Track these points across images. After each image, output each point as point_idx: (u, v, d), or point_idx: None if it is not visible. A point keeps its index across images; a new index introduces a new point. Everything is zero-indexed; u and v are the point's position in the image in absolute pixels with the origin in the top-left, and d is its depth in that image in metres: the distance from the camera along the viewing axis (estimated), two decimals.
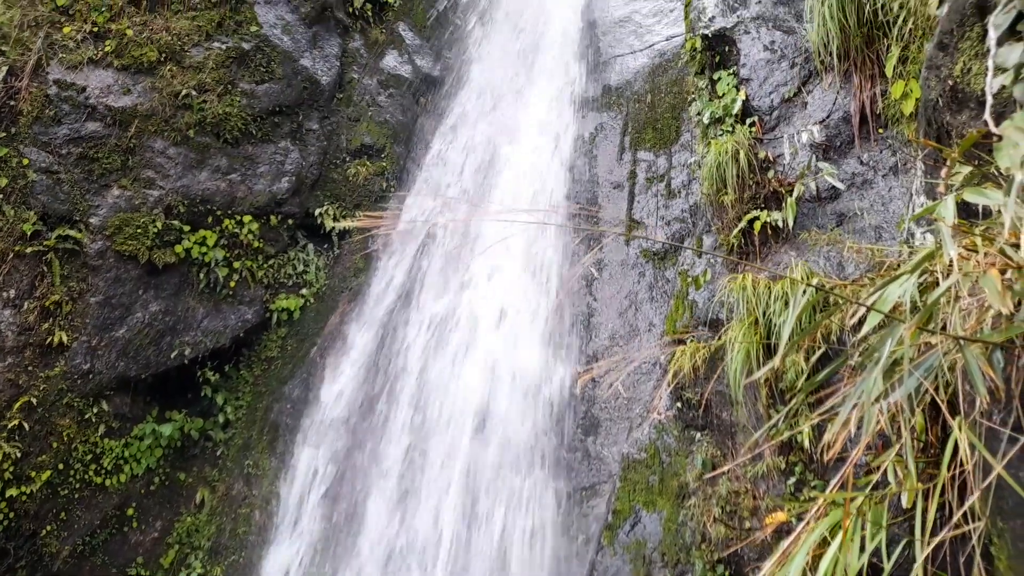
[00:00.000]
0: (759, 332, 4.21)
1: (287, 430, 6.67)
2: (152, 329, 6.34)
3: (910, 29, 4.22)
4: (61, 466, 5.89)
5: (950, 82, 3.11)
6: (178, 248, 6.55)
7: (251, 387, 6.97)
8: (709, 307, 5.14)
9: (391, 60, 8.86)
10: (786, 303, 4.14)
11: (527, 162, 7.59)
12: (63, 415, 5.97)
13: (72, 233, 6.09)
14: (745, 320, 4.34)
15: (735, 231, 5.14)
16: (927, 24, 4.08)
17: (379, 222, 6.06)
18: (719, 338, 4.70)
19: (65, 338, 5.97)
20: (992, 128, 2.20)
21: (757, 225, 4.98)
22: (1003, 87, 2.58)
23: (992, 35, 2.44)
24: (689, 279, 5.69)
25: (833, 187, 4.69)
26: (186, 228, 6.64)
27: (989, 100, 2.29)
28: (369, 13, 9.04)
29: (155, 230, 6.41)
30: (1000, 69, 2.42)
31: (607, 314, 6.28)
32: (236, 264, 6.91)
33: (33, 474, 5.72)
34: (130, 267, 6.30)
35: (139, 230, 6.31)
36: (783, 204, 4.89)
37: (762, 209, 5.06)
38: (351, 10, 8.82)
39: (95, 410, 6.13)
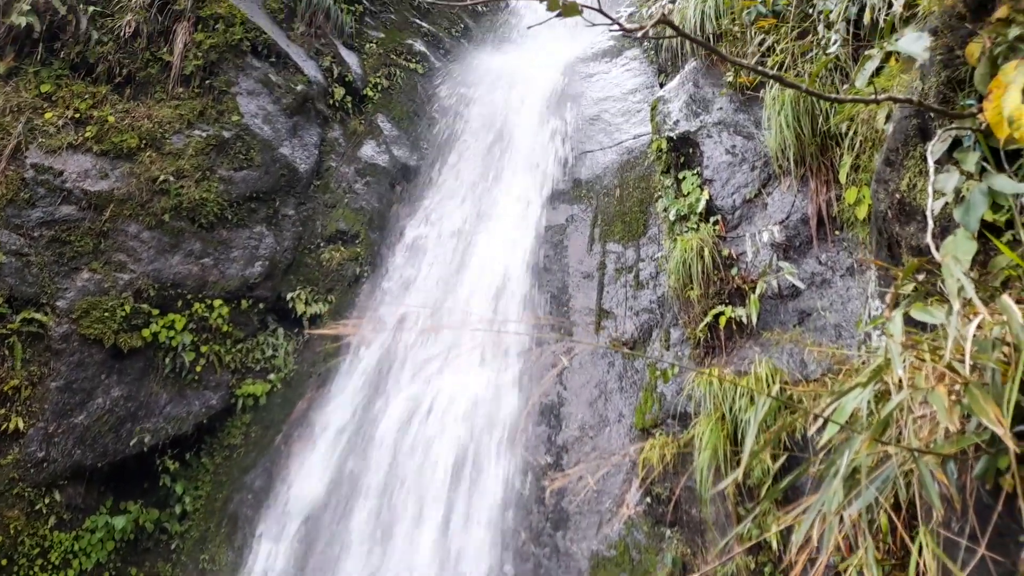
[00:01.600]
0: (726, 428, 4.27)
1: (247, 522, 6.44)
2: (112, 415, 6.19)
3: (860, 140, 4.50)
4: (4, 561, 5.59)
5: (898, 196, 3.30)
6: (145, 332, 6.48)
7: (211, 476, 6.76)
8: (677, 400, 5.20)
9: (369, 149, 9.10)
10: (751, 399, 4.22)
11: (499, 250, 7.74)
12: (12, 506, 5.71)
13: (37, 316, 6.01)
14: (712, 415, 4.40)
15: (701, 325, 5.27)
16: (876, 136, 4.36)
17: (348, 329, 6.08)
18: (687, 432, 4.74)
19: (21, 424, 5.79)
20: (933, 252, 2.34)
21: (722, 320, 5.12)
22: (946, 204, 2.77)
23: (931, 161, 2.63)
24: (657, 371, 5.77)
25: (794, 285, 4.86)
26: (155, 312, 6.59)
27: (931, 224, 2.45)
28: (349, 105, 9.36)
29: (123, 314, 6.35)
30: (940, 192, 2.60)
31: (577, 404, 6.29)
32: (204, 348, 6.84)
33: None
34: (94, 351, 6.20)
35: (106, 313, 6.25)
36: (747, 301, 5.05)
37: (727, 304, 5.22)
38: (332, 102, 9.12)
39: (47, 500, 5.88)
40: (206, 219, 7.06)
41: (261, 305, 7.45)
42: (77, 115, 6.72)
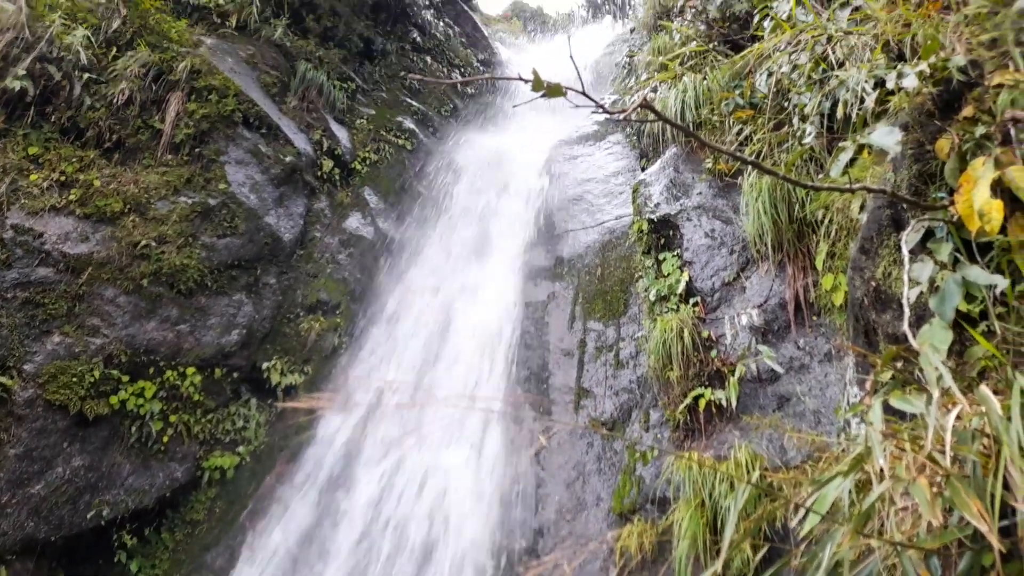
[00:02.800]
0: (705, 515, 4.15)
1: None
2: (71, 486, 5.91)
3: (836, 228, 4.59)
4: None
5: (873, 283, 3.34)
6: (113, 399, 6.28)
7: (170, 554, 6.42)
8: (656, 485, 5.08)
9: (354, 221, 9.17)
10: (731, 485, 4.13)
11: (480, 326, 7.72)
12: None
13: (2, 380, 5.81)
14: (691, 502, 4.29)
15: (681, 407, 5.22)
16: (851, 224, 4.45)
17: (323, 403, 5.97)
18: (666, 518, 4.61)
19: None
20: (910, 340, 2.34)
21: (702, 403, 5.07)
22: (921, 293, 2.79)
23: (905, 251, 2.68)
24: (637, 453, 5.66)
25: (773, 370, 4.85)
26: (125, 378, 6.41)
27: (907, 313, 2.46)
28: (337, 177, 9.48)
29: (92, 379, 6.17)
30: (915, 282, 2.63)
31: (554, 485, 6.13)
32: (172, 418, 6.63)
33: None
34: (58, 418, 5.98)
35: (74, 379, 6.06)
36: (726, 383, 5.03)
37: (706, 387, 5.18)
38: (320, 174, 9.24)
39: None
40: (185, 285, 6.99)
41: (235, 374, 7.29)
42: (63, 178, 6.72)
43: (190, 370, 6.83)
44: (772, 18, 5.66)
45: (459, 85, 14.06)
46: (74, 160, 6.88)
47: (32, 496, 5.73)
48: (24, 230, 6.27)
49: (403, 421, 6.93)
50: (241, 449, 6.99)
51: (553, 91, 1.97)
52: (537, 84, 1.96)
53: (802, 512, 2.40)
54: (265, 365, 7.46)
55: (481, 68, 15.71)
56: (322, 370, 7.75)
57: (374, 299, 8.67)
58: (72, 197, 6.65)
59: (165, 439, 6.54)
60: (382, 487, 6.29)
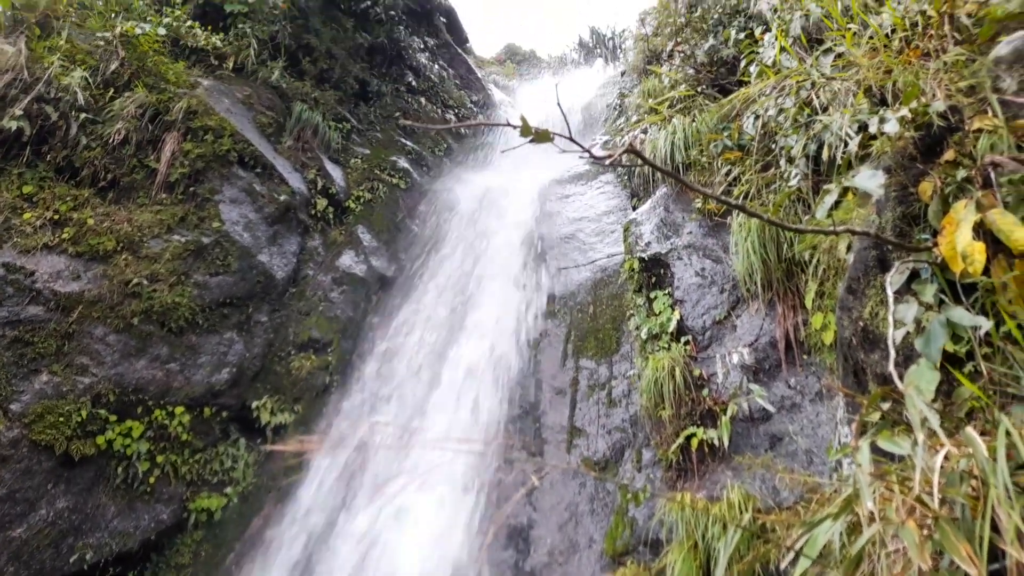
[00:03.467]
0: (699, 558, 4.10)
1: None
2: (55, 529, 5.79)
3: (824, 268, 4.63)
4: None
5: (861, 323, 3.36)
6: (100, 439, 6.19)
7: None
8: (649, 526, 5.02)
9: (347, 259, 9.20)
10: (724, 527, 4.09)
11: (472, 364, 7.69)
12: None
13: None
14: (684, 543, 4.24)
15: (673, 447, 5.19)
16: (838, 264, 4.50)
17: (312, 444, 5.92)
18: (659, 561, 4.55)
19: None
20: (896, 381, 2.36)
21: (694, 442, 5.05)
22: (907, 334, 2.82)
23: (889, 292, 2.71)
24: (629, 494, 5.61)
25: (764, 409, 4.85)
26: (112, 418, 6.34)
27: (892, 354, 2.48)
28: (331, 216, 9.54)
29: (79, 419, 6.09)
30: (900, 322, 2.65)
31: (546, 526, 6.05)
32: (160, 458, 6.54)
33: None
34: (43, 458, 5.89)
35: (61, 419, 5.99)
36: (718, 423, 5.01)
37: (699, 426, 5.17)
38: (314, 212, 9.30)
39: None
40: (176, 324, 6.96)
41: (225, 413, 7.22)
42: (56, 216, 6.74)
43: (179, 409, 6.76)
44: (758, 64, 5.80)
45: (453, 127, 14.25)
46: (68, 199, 6.90)
47: (13, 540, 5.61)
48: (16, 268, 6.26)
49: (394, 461, 6.85)
50: (229, 490, 6.89)
51: (541, 137, 2.01)
52: (525, 130, 2.00)
53: (793, 554, 2.38)
54: (255, 404, 7.40)
55: (475, 109, 15.95)
56: (312, 409, 7.69)
57: (366, 337, 8.66)
58: (65, 235, 6.66)
59: (151, 480, 6.44)
60: (372, 530, 6.19)
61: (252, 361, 7.58)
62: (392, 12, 13.27)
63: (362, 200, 10.16)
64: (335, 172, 10.09)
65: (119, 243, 6.91)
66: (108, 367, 6.43)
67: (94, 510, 6.08)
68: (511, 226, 9.88)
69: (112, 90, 7.74)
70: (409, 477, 6.59)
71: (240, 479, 7.01)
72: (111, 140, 7.37)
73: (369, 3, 12.99)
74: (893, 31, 4.03)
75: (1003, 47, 2.95)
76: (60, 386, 6.11)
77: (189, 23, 9.43)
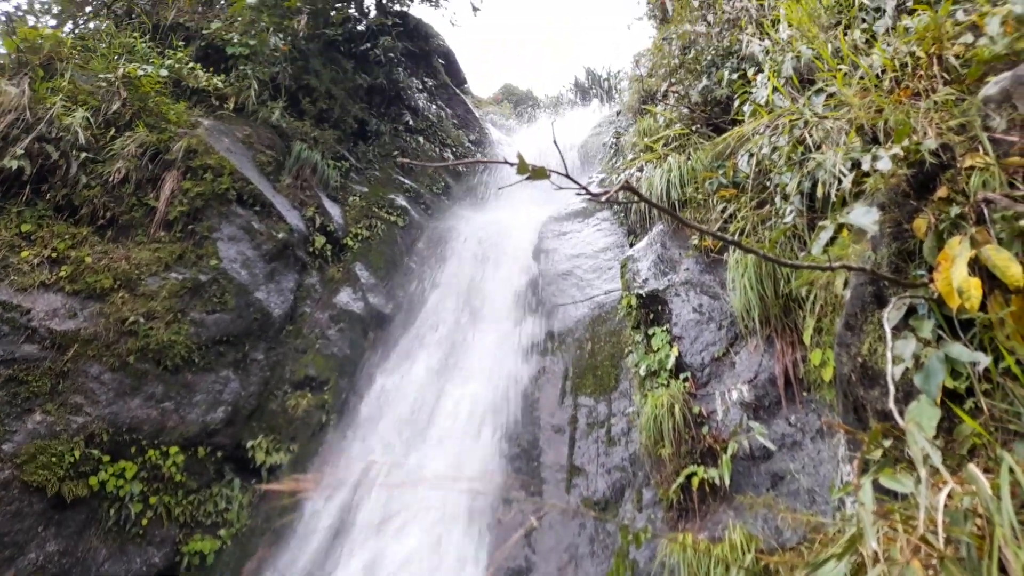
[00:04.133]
0: None
1: None
2: (44, 573, 5.67)
3: (821, 304, 4.63)
4: None
5: (860, 359, 3.35)
6: (93, 480, 6.11)
7: None
8: (650, 568, 4.93)
9: (345, 296, 9.19)
10: (727, 568, 4.01)
11: (470, 401, 7.64)
12: None
13: None
14: None
15: (674, 486, 5.12)
16: (836, 300, 4.50)
17: (308, 484, 5.84)
18: None
19: None
20: (896, 418, 2.34)
21: (695, 481, 4.99)
22: (906, 370, 2.80)
23: (887, 328, 2.70)
24: (630, 535, 5.52)
25: (765, 447, 4.80)
26: (106, 458, 6.26)
27: (892, 390, 2.47)
28: (328, 253, 9.57)
29: (71, 459, 6.01)
30: (899, 359, 2.64)
31: (546, 569, 5.93)
32: (153, 499, 6.44)
33: None
34: (35, 500, 5.79)
35: (54, 459, 5.91)
36: (719, 461, 4.96)
37: (699, 464, 5.11)
38: (312, 249, 9.33)
39: None
40: (172, 362, 6.92)
41: (219, 453, 7.14)
42: (54, 254, 6.75)
43: (173, 449, 6.69)
44: (751, 103, 5.89)
45: (450, 165, 14.39)
46: (66, 237, 6.92)
47: None
48: (11, 307, 6.24)
49: (390, 502, 6.75)
50: (223, 532, 6.77)
51: (537, 174, 2.03)
52: (522, 168, 2.01)
53: None
54: (250, 443, 7.32)
55: (472, 147, 16.12)
56: (308, 448, 7.60)
57: (363, 375, 8.61)
58: (62, 273, 6.66)
59: (144, 522, 6.33)
60: (368, 572, 6.07)
61: (248, 400, 7.52)
62: (391, 54, 13.50)
63: (360, 237, 10.20)
64: (333, 210, 10.15)
65: (116, 281, 6.91)
66: (102, 406, 6.37)
67: (85, 553, 5.96)
68: (508, 263, 9.91)
69: (113, 130, 7.83)
70: (405, 518, 6.49)
71: (234, 520, 6.89)
72: (111, 179, 7.42)
73: (369, 46, 13.23)
74: (883, 72, 4.10)
75: (991, 87, 3.00)
76: (53, 426, 6.04)
77: (191, 65, 9.58)
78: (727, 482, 4.78)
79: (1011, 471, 1.98)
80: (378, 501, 6.78)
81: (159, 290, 7.14)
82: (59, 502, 5.92)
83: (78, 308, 6.61)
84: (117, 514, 6.20)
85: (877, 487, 2.43)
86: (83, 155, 7.36)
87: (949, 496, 2.11)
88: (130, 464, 6.38)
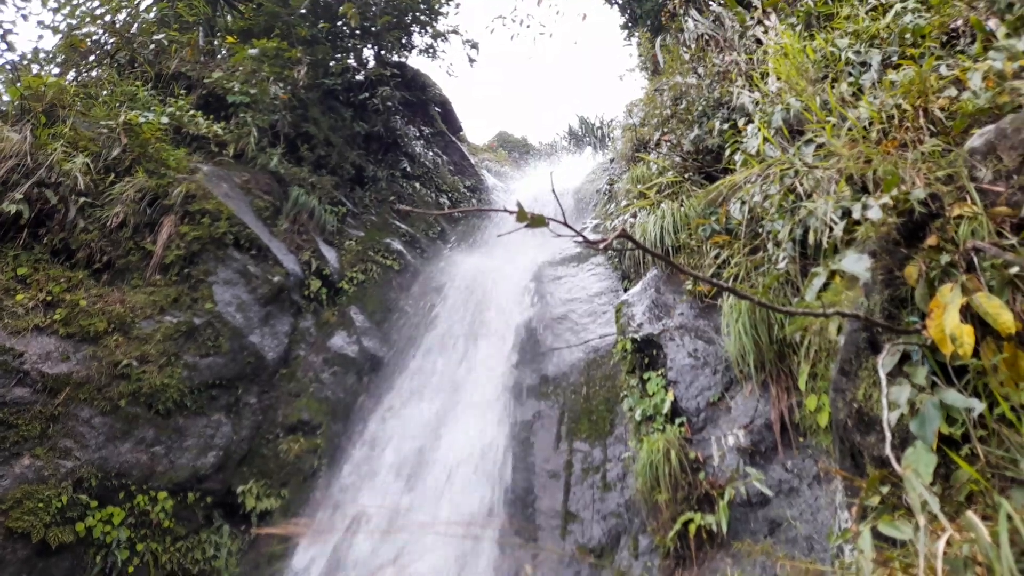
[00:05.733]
0: None
1: None
2: None
3: (815, 350, 4.66)
4: None
5: (855, 405, 3.36)
6: (79, 526, 5.99)
7: None
8: None
9: (339, 340, 9.18)
10: None
11: (464, 447, 7.57)
12: None
13: None
14: None
15: (671, 533, 5.07)
16: (830, 346, 4.53)
17: (299, 530, 5.76)
18: None
19: None
20: (893, 464, 2.35)
21: (692, 528, 4.93)
22: (902, 416, 2.82)
23: (882, 374, 2.73)
24: None
25: (762, 493, 4.77)
26: (93, 503, 6.15)
27: (888, 437, 2.48)
28: (324, 297, 9.59)
29: (58, 505, 5.90)
30: (894, 404, 2.67)
31: None
32: (140, 546, 6.31)
33: None
34: (19, 546, 5.66)
35: (40, 504, 5.81)
36: (716, 507, 4.92)
37: (696, 511, 5.06)
38: (307, 293, 9.35)
39: None
40: (164, 406, 6.86)
41: (209, 499, 7.02)
42: (49, 297, 6.74)
43: (162, 494, 6.58)
44: (742, 153, 6.02)
45: (446, 209, 14.55)
46: (62, 280, 6.93)
47: None
48: (5, 350, 6.21)
49: (382, 549, 6.63)
50: None
51: (536, 222, 2.08)
52: (521, 215, 2.06)
53: None
54: (240, 488, 7.21)
55: (468, 193, 16.32)
56: (300, 493, 7.49)
57: (356, 419, 8.54)
58: (57, 316, 6.64)
59: (131, 569, 6.19)
60: None
61: (239, 444, 7.44)
62: (389, 103, 13.77)
63: (355, 281, 10.24)
64: (329, 254, 10.21)
65: (110, 324, 6.90)
66: (92, 450, 6.29)
67: None
68: (503, 307, 9.93)
69: (113, 175, 7.91)
70: (399, 566, 6.36)
71: (222, 568, 6.74)
72: (109, 223, 7.47)
73: (367, 95, 13.50)
74: (870, 123, 4.22)
75: (976, 139, 3.10)
76: (42, 470, 5.96)
77: (192, 112, 9.74)
78: (724, 529, 4.73)
79: (1009, 518, 1.98)
80: (370, 549, 6.66)
81: (153, 333, 7.12)
82: (44, 548, 5.79)
83: (71, 351, 6.58)
84: (103, 561, 6.07)
85: (876, 534, 2.43)
86: (82, 200, 7.42)
87: (948, 543, 2.10)
88: (118, 510, 6.27)
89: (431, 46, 15.15)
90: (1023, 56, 3.59)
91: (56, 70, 9.97)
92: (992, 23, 4.14)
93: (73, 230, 7.28)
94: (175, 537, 6.64)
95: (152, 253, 7.67)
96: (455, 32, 15.21)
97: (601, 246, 2.33)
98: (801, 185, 4.73)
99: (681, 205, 7.12)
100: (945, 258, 2.93)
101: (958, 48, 4.44)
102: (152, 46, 10.68)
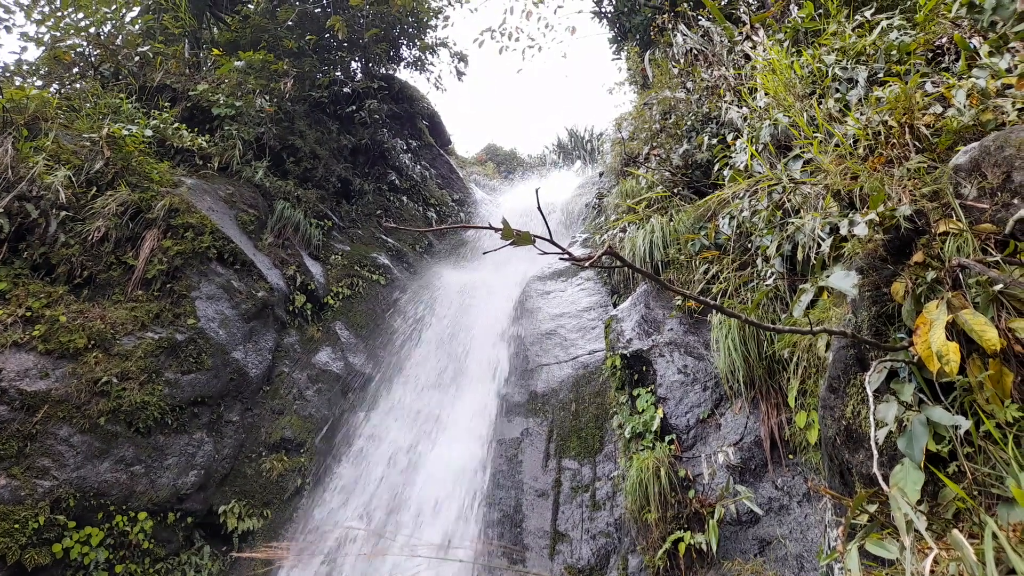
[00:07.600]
0: None
1: None
2: None
3: (804, 366, 4.63)
4: None
5: (844, 422, 3.33)
6: (57, 547, 5.85)
7: None
8: None
9: (324, 356, 9.08)
10: None
11: (451, 465, 7.48)
12: None
13: None
14: None
15: (660, 552, 5.00)
16: (819, 362, 4.51)
17: (281, 552, 5.66)
18: None
19: None
20: (881, 483, 2.31)
21: (682, 547, 4.88)
22: (890, 433, 2.79)
23: (869, 392, 2.70)
24: None
25: (752, 511, 4.72)
26: (71, 524, 6.01)
27: (875, 455, 2.45)
28: (309, 312, 9.49)
29: (35, 526, 5.76)
30: (881, 422, 2.63)
31: None
32: (119, 568, 6.16)
33: None
34: None
35: (16, 526, 5.66)
36: (706, 526, 4.86)
37: (686, 529, 5.01)
38: (291, 308, 9.25)
39: None
40: (144, 424, 6.73)
41: (189, 519, 6.89)
42: (28, 313, 6.62)
43: (142, 515, 6.44)
44: (731, 168, 6.02)
45: (434, 223, 14.52)
46: (42, 296, 6.81)
47: None
48: None
49: (367, 570, 6.51)
50: None
51: (522, 240, 2.04)
52: (507, 233, 2.02)
53: None
54: (222, 508, 7.08)
55: (455, 207, 16.29)
56: (283, 513, 7.36)
57: (341, 437, 8.42)
58: (36, 333, 6.52)
59: None
60: None
61: (221, 463, 7.31)
62: (376, 116, 13.73)
63: (341, 296, 10.16)
64: (315, 268, 10.13)
65: (90, 340, 6.78)
66: (70, 470, 6.15)
67: None
68: (491, 322, 9.87)
69: (95, 188, 7.81)
70: None
71: None
72: (90, 237, 7.37)
73: (354, 107, 13.47)
74: (857, 140, 4.23)
75: (961, 156, 3.09)
76: (18, 491, 5.82)
77: (176, 125, 9.66)
78: (714, 548, 4.67)
79: (995, 536, 1.95)
80: (354, 571, 6.54)
81: (134, 350, 7.01)
82: (19, 571, 5.64)
83: (50, 368, 6.45)
84: None
85: (864, 553, 2.39)
86: (63, 214, 7.31)
87: (935, 562, 2.07)
88: (96, 530, 6.13)
89: (419, 59, 15.17)
90: (1006, 74, 3.61)
91: (39, 82, 9.88)
92: (975, 41, 4.17)
93: (54, 244, 7.17)
94: (155, 559, 6.50)
95: (134, 268, 7.56)
96: (443, 45, 15.23)
97: (587, 264, 2.29)
98: (789, 201, 4.73)
99: (670, 220, 7.11)
100: (931, 275, 2.91)
101: (943, 65, 4.46)
102: (137, 58, 10.61)
